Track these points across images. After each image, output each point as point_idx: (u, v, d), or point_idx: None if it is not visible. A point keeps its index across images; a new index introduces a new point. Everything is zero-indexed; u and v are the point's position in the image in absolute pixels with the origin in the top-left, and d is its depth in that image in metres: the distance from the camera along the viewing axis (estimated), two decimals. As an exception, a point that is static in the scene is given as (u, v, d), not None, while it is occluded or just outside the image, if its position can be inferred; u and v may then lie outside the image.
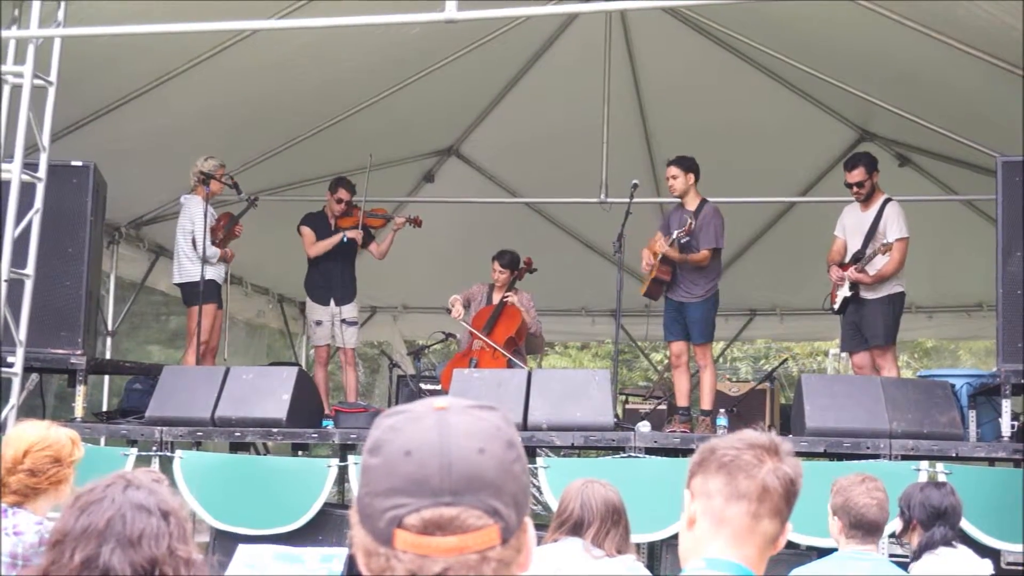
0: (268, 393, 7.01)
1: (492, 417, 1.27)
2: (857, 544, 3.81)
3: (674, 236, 7.65)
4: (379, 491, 1.22)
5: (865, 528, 3.80)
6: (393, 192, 11.10)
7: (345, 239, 8.88)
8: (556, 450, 7.15)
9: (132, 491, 1.91)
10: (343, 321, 9.00)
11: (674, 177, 7.84)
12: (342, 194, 8.99)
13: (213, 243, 8.35)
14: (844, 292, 7.63)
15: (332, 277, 8.98)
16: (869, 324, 7.57)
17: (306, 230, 8.98)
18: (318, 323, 9.07)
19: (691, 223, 7.64)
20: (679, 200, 7.96)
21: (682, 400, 7.87)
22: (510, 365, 8.39)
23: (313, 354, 9.63)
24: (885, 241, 7.42)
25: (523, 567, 1.26)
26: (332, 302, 9.00)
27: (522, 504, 1.25)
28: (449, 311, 8.73)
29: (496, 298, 8.88)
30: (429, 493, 1.20)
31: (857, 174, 7.64)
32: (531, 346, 9.27)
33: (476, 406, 1.28)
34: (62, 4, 6.31)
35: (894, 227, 7.49)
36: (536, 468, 6.14)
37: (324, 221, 9.04)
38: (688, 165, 7.83)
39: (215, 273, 8.41)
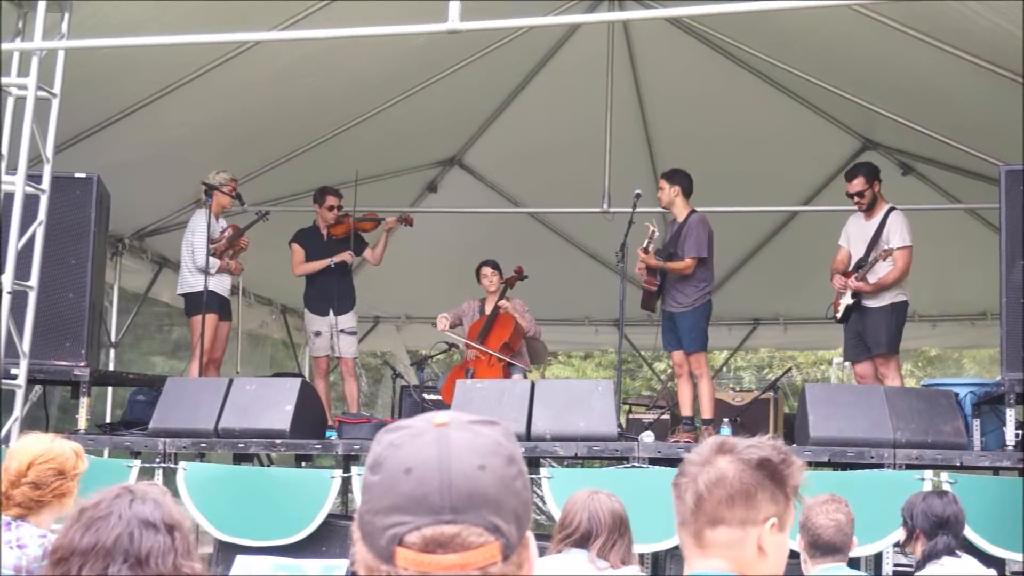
0: (271, 404, 7.00)
1: (493, 432, 1.27)
2: (822, 564, 3.83)
3: (644, 244, 7.76)
4: (380, 508, 1.22)
5: (822, 549, 3.85)
6: (396, 202, 11.09)
7: (333, 265, 8.85)
8: (559, 460, 7.12)
9: (138, 505, 1.90)
10: (341, 331, 8.96)
11: (660, 189, 7.97)
12: (331, 200, 8.98)
13: (213, 254, 8.35)
14: (847, 301, 7.64)
15: (330, 288, 8.95)
16: (872, 333, 7.57)
17: (296, 247, 8.97)
18: (317, 334, 9.05)
19: (653, 230, 7.77)
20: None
21: (685, 410, 7.86)
22: (507, 371, 8.39)
23: (313, 365, 9.62)
24: (887, 247, 7.44)
25: (525, 583, 1.26)
26: (331, 312, 8.97)
27: (523, 520, 1.25)
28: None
29: (488, 308, 8.89)
30: (429, 511, 1.19)
31: (857, 184, 7.66)
32: (534, 352, 9.26)
33: (477, 421, 1.28)
34: (66, 16, 6.32)
35: (897, 236, 7.50)
36: (539, 478, 6.13)
37: (316, 235, 9.02)
38: (673, 178, 7.89)
39: (217, 284, 8.38)
